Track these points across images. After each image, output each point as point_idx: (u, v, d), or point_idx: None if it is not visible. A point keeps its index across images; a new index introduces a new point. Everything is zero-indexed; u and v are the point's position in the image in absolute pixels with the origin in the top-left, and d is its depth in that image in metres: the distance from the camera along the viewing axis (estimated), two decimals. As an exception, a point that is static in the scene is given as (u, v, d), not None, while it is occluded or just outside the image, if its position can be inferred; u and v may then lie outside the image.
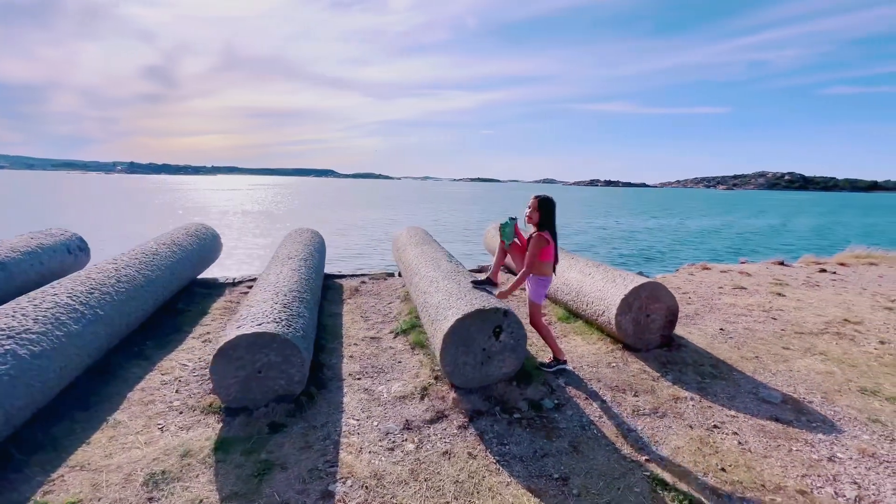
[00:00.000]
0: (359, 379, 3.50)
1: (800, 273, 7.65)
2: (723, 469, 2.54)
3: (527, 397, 3.20)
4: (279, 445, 2.65)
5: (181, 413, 2.99)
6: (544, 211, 3.38)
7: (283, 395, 3.05)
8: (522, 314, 4.46)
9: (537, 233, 3.37)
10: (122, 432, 2.76)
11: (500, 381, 3.32)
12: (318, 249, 5.96)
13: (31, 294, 3.23)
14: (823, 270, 7.94)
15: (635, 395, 3.30)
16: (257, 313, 3.21)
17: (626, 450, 2.71)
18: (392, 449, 2.66)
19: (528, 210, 3.46)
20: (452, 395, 3.17)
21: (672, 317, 4.07)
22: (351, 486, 2.35)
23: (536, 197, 3.42)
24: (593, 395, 3.30)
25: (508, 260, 3.90)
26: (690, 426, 2.95)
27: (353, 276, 6.65)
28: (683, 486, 2.40)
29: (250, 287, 5.73)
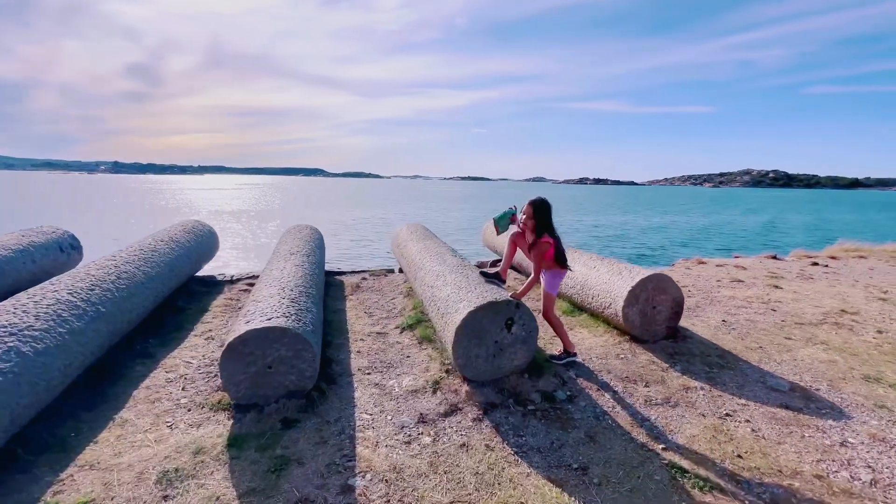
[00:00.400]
0: (368, 374, 3.46)
1: (793, 266, 7.77)
2: (739, 456, 2.56)
3: (539, 389, 3.20)
4: (294, 441, 2.61)
5: (189, 410, 2.92)
6: (540, 216, 3.32)
7: (294, 390, 3.00)
8: (533, 307, 4.45)
9: (538, 240, 3.33)
10: (130, 431, 2.69)
11: (511, 374, 3.31)
12: (319, 246, 5.90)
13: (31, 290, 3.13)
14: (815, 264, 8.08)
15: (646, 386, 3.32)
16: (265, 308, 3.15)
17: (642, 439, 2.71)
18: (409, 442, 2.63)
19: (522, 217, 3.40)
20: (465, 387, 3.15)
21: (678, 308, 4.10)
22: (371, 479, 2.31)
23: (531, 203, 3.34)
24: (604, 386, 3.30)
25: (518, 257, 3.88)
26: (703, 415, 2.97)
27: (353, 272, 6.59)
28: (702, 473, 2.41)
29: (250, 284, 5.64)
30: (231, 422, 2.78)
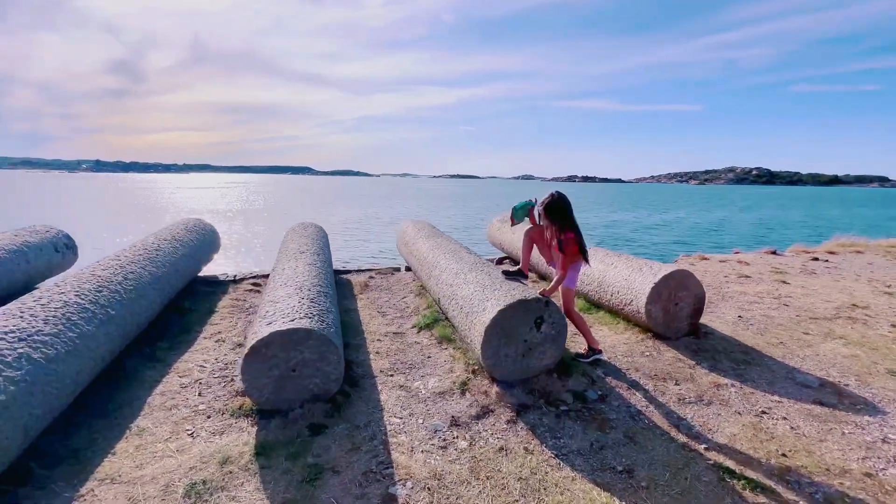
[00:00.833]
0: (391, 376, 3.34)
1: (794, 262, 7.82)
2: (784, 455, 2.51)
3: (570, 389, 3.12)
4: (325, 448, 2.48)
5: (209, 417, 2.78)
6: (559, 216, 3.25)
7: (319, 394, 2.87)
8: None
9: (563, 236, 3.24)
10: (148, 440, 2.54)
11: (540, 374, 3.22)
12: (325, 244, 5.75)
13: (36, 293, 2.95)
14: (815, 259, 8.15)
15: (676, 384, 3.26)
16: (285, 309, 3.02)
17: (682, 439, 2.65)
18: (445, 447, 2.53)
19: (540, 209, 3.32)
20: (495, 388, 3.05)
21: (699, 304, 4.06)
22: (412, 487, 2.21)
23: (544, 206, 3.26)
24: (634, 385, 3.23)
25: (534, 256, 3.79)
26: (738, 413, 2.92)
27: (359, 271, 6.46)
28: (750, 474, 2.35)
29: (254, 284, 5.47)
30: (255, 428, 2.65)
